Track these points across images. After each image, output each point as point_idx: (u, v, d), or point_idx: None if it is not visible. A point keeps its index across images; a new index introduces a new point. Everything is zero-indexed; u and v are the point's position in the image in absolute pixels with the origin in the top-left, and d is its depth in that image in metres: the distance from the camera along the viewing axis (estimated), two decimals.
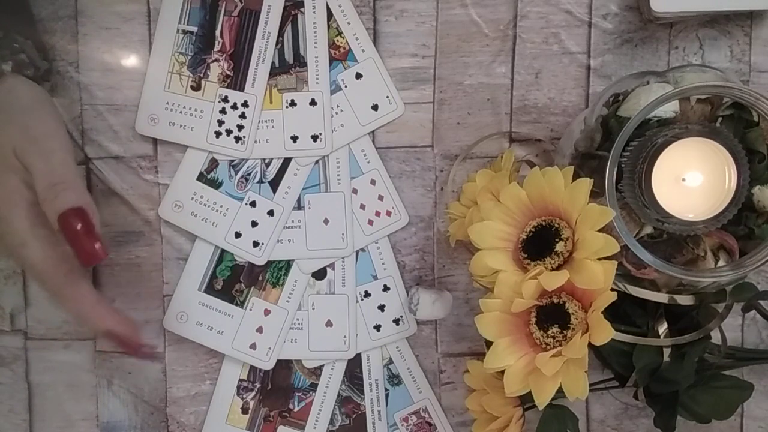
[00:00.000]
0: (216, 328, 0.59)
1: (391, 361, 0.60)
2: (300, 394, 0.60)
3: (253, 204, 0.59)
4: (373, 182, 0.59)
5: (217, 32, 0.59)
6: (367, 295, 0.60)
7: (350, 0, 0.58)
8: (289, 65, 0.59)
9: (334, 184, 0.59)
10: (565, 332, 0.43)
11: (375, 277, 0.60)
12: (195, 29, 0.59)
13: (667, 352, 0.50)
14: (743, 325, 0.59)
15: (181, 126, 0.59)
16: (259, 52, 0.59)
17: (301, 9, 0.59)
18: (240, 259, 0.60)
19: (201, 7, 0.59)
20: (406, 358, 0.60)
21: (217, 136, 0.59)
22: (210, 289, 0.59)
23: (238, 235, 0.59)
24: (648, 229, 0.46)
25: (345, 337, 0.60)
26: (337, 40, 0.59)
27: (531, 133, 0.58)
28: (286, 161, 0.59)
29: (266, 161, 0.59)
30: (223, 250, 0.59)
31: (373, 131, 0.59)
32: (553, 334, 0.43)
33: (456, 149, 0.59)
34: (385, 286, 0.60)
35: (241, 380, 0.60)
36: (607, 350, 0.50)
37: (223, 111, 0.59)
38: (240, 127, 0.59)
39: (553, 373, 0.42)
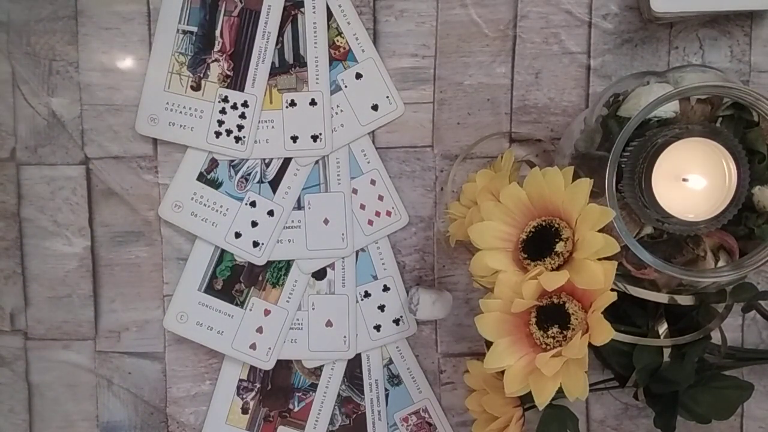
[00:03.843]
0: (216, 328, 0.59)
1: (391, 361, 0.60)
2: (300, 394, 0.60)
3: (253, 204, 0.59)
4: (373, 182, 0.59)
5: (217, 32, 0.59)
6: (367, 295, 0.60)
7: (350, 0, 0.58)
8: (289, 65, 0.59)
9: (334, 184, 0.59)
10: (565, 332, 0.43)
11: (375, 277, 0.60)
12: (195, 29, 0.59)
13: (667, 352, 0.50)
14: (743, 325, 0.59)
15: (181, 126, 0.59)
16: (259, 52, 0.59)
17: (301, 9, 0.59)
18: (240, 259, 0.60)
19: (201, 7, 0.59)
20: (406, 358, 0.60)
21: (217, 136, 0.59)
22: (210, 289, 0.60)
23: (238, 235, 0.59)
24: (648, 230, 0.46)
25: (345, 337, 0.60)
26: (337, 40, 0.59)
27: (531, 133, 0.58)
28: (286, 161, 0.59)
29: (266, 161, 0.59)
30: (223, 250, 0.59)
31: (373, 131, 0.59)
32: (553, 335, 0.43)
33: (456, 149, 0.59)
34: (385, 286, 0.60)
35: (241, 380, 0.60)
36: (607, 350, 0.50)
37: (223, 111, 0.59)
38: (240, 127, 0.59)
39: (553, 373, 0.42)
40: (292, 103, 0.59)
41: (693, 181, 0.44)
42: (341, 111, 0.59)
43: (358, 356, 0.60)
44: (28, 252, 0.60)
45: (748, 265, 0.44)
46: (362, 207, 0.59)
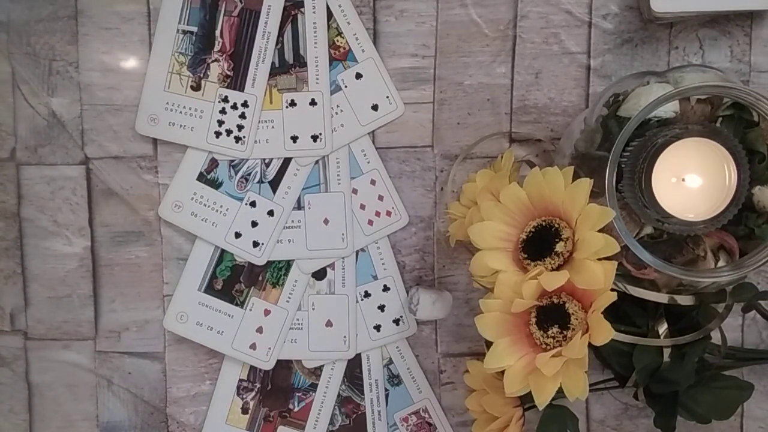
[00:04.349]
0: (216, 328, 0.59)
1: (391, 361, 0.60)
2: (300, 394, 0.60)
3: (253, 204, 0.59)
4: (373, 182, 0.59)
5: (217, 32, 0.59)
6: (367, 295, 0.60)
7: (350, 0, 0.58)
8: (289, 65, 0.59)
9: (334, 184, 0.59)
10: (565, 332, 0.43)
11: (375, 277, 0.60)
12: (195, 29, 0.59)
13: (667, 352, 0.50)
14: (743, 325, 0.59)
15: (181, 126, 0.59)
16: (259, 52, 0.59)
17: (301, 9, 0.59)
18: (240, 259, 0.60)
19: (201, 7, 0.59)
20: (406, 358, 0.60)
21: (217, 136, 0.59)
22: (210, 289, 0.60)
23: (238, 235, 0.59)
24: (648, 229, 0.46)
25: (345, 337, 0.60)
26: (337, 40, 0.59)
27: (531, 133, 0.58)
28: (286, 161, 0.59)
29: (266, 161, 0.59)
30: (223, 250, 0.59)
31: (373, 131, 0.59)
32: (553, 335, 0.43)
33: (456, 149, 0.59)
34: (385, 286, 0.60)
35: (241, 380, 0.60)
36: (607, 350, 0.50)
37: (223, 111, 0.59)
38: (240, 127, 0.59)
39: (553, 373, 0.42)
40: (292, 103, 0.59)
41: (689, 180, 0.44)
42: (341, 111, 0.59)
43: (358, 356, 0.60)
44: (28, 252, 0.60)
45: (748, 265, 0.44)
46: (362, 207, 0.59)
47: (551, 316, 0.44)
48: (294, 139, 0.59)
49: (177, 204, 0.59)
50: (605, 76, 0.58)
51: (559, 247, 0.44)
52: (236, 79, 0.59)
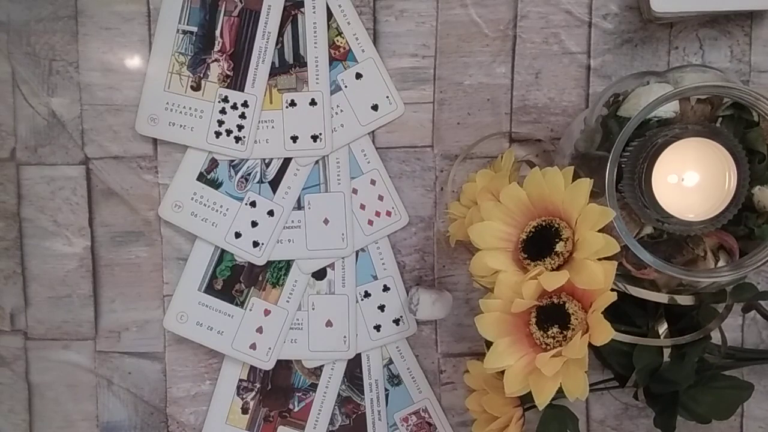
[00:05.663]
0: (216, 328, 0.59)
1: (391, 361, 0.60)
2: (300, 394, 0.60)
3: (253, 204, 0.59)
4: (373, 182, 0.59)
5: (217, 32, 0.59)
6: (367, 295, 0.60)
7: (350, 0, 0.58)
8: (289, 65, 0.59)
9: (334, 184, 0.59)
10: (565, 332, 0.43)
11: (375, 277, 0.60)
12: (195, 29, 0.59)
13: (667, 352, 0.50)
14: (743, 325, 0.59)
15: (181, 126, 0.59)
16: (259, 52, 0.59)
17: (301, 9, 0.59)
18: (240, 259, 0.60)
19: (201, 7, 0.59)
20: (406, 358, 0.60)
21: (217, 136, 0.59)
22: (210, 289, 0.60)
23: (238, 235, 0.59)
24: (648, 230, 0.46)
25: (345, 337, 0.60)
26: (337, 40, 0.59)
27: (531, 133, 0.59)
28: (286, 161, 0.59)
29: (266, 161, 0.59)
30: (223, 250, 0.59)
31: (373, 131, 0.59)
32: (553, 335, 0.43)
33: (456, 149, 0.59)
34: (385, 286, 0.60)
35: (241, 380, 0.60)
36: (607, 350, 0.50)
37: (223, 111, 0.59)
38: (240, 127, 0.59)
39: (553, 373, 0.42)
40: (292, 103, 0.59)
41: (689, 180, 0.44)
42: (341, 111, 0.59)
43: (358, 356, 0.60)
44: (28, 252, 0.60)
45: (748, 265, 0.44)
46: (362, 207, 0.59)
47: (551, 316, 0.44)
48: (294, 139, 0.59)
49: (177, 204, 0.59)
50: (605, 76, 0.58)
51: (559, 247, 0.44)
52: (236, 79, 0.59)
